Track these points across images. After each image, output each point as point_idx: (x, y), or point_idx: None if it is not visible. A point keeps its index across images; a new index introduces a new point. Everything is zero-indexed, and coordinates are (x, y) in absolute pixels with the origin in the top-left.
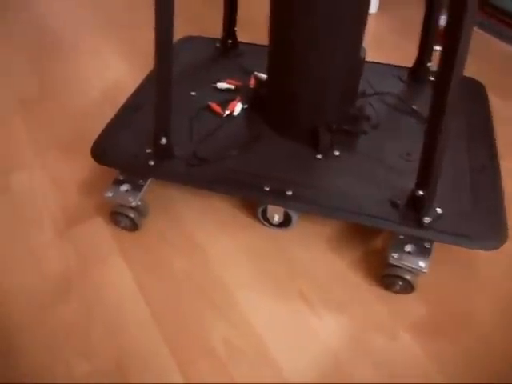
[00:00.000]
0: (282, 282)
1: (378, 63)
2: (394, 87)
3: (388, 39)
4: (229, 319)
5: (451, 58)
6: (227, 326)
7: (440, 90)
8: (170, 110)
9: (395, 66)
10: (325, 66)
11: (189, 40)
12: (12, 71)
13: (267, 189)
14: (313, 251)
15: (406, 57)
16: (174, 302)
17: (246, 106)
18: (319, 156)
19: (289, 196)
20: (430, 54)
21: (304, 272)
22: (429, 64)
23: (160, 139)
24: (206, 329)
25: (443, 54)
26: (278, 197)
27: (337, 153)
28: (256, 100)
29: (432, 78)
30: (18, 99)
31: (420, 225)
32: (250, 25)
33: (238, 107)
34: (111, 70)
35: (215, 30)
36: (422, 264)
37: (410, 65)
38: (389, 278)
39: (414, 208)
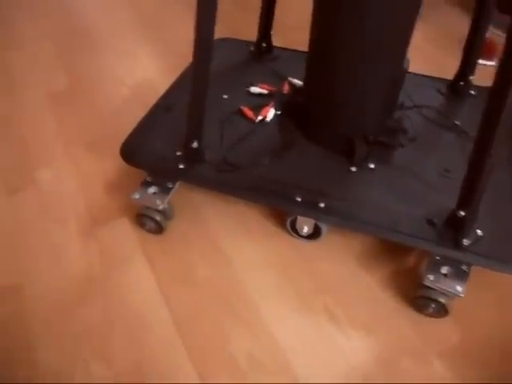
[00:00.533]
0: (308, 296)
1: (416, 74)
2: (432, 100)
3: (423, 49)
4: (252, 331)
5: (508, 76)
6: (250, 338)
7: (493, 109)
8: (204, 113)
9: (434, 78)
10: (368, 76)
11: (222, 42)
12: (41, 64)
13: (299, 199)
14: (341, 265)
15: (441, 68)
16: (197, 309)
17: (278, 112)
18: (353, 168)
19: (321, 208)
20: (474, 68)
21: (331, 286)
22: (471, 77)
23: (192, 142)
24: (227, 339)
25: (500, 70)
26: (310, 209)
27: (372, 165)
28: (290, 106)
29: (473, 92)
30: (46, 93)
31: (459, 246)
32: (280, 29)
33: (270, 113)
34: (142, 68)
35: (246, 33)
36: (458, 288)
37: (444, 77)
38: (422, 300)
39: (453, 228)
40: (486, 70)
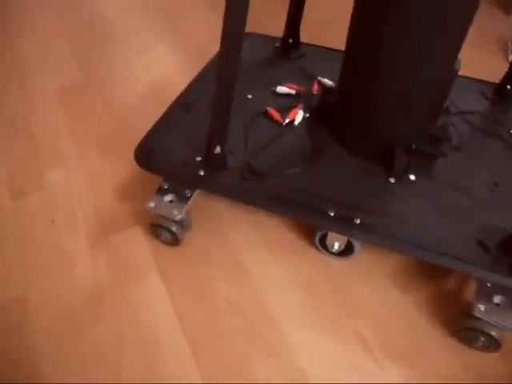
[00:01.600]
0: (337, 319)
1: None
2: (477, 105)
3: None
4: (275, 356)
5: None
6: (273, 364)
7: None
8: (230, 115)
9: (478, 81)
10: (414, 77)
11: (245, 37)
12: (53, 57)
13: (332, 214)
14: (374, 286)
15: (481, 71)
16: (215, 332)
17: (308, 115)
18: (392, 179)
19: (356, 225)
20: None
21: (362, 309)
22: None
23: (214, 147)
24: (248, 365)
25: None
26: (345, 224)
27: (412, 177)
28: (321, 109)
29: None
30: (57, 88)
31: None
32: (305, 24)
33: (299, 115)
34: (159, 64)
35: (268, 27)
36: None
37: (488, 79)
38: (469, 332)
39: (509, 253)
40: None
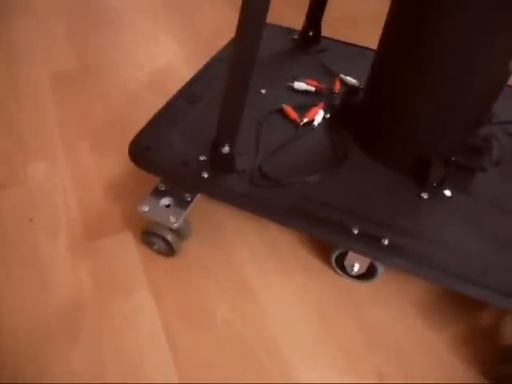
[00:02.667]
0: (355, 354)
1: None
2: None
3: None
4: None
5: None
6: None
7: None
8: (243, 110)
9: None
10: (462, 79)
11: None
12: (48, 39)
13: (355, 232)
14: (397, 316)
15: None
16: (210, 362)
17: (328, 116)
18: (425, 195)
19: (384, 246)
20: None
21: (384, 343)
22: None
23: (222, 146)
24: None
25: None
26: (370, 245)
27: (448, 193)
28: (344, 110)
29: None
30: (50, 72)
31: None
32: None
33: (319, 115)
34: (164, 53)
35: (285, 19)
36: None
37: None
38: (509, 380)
39: None
40: None
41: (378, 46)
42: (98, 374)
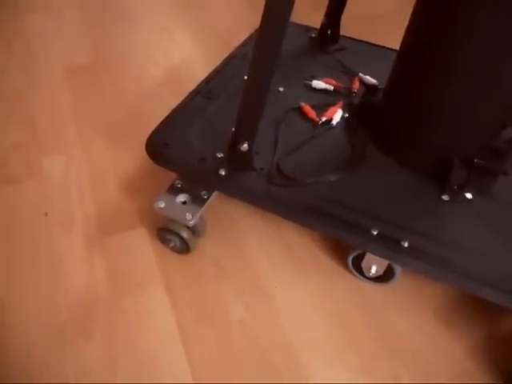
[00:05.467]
0: (371, 358)
1: None
2: None
3: None
4: None
5: None
6: None
7: None
8: (264, 107)
9: None
10: (486, 82)
11: None
12: (64, 33)
13: (375, 233)
14: (415, 320)
15: None
16: (224, 362)
17: (347, 115)
18: (446, 197)
19: (404, 248)
20: None
21: (402, 348)
22: None
23: (241, 144)
24: None
25: None
26: (389, 247)
27: (469, 195)
28: (363, 109)
29: None
30: (65, 67)
31: None
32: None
33: (337, 115)
34: (180, 49)
35: (303, 17)
36: None
37: None
38: None
39: None
40: None
41: (401, 46)
42: (111, 369)
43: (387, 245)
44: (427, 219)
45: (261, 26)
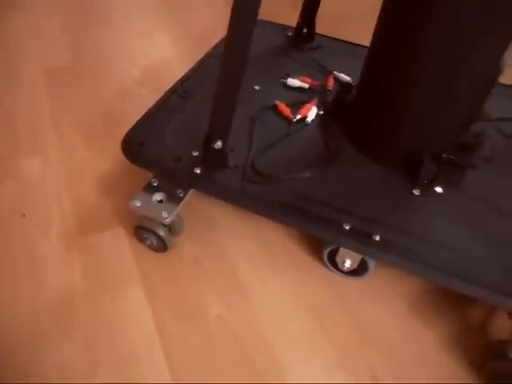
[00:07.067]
0: (347, 351)
1: None
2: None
3: None
4: None
5: None
6: None
7: None
8: (236, 105)
9: (506, 86)
10: (452, 77)
11: None
12: (42, 34)
13: (347, 227)
14: (389, 312)
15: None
16: (202, 357)
17: (321, 112)
18: (416, 191)
19: (376, 242)
20: None
21: (377, 340)
22: None
23: (214, 142)
24: None
25: None
26: (362, 241)
27: (439, 189)
28: (337, 107)
29: None
30: (43, 68)
31: None
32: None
33: (312, 112)
34: (158, 49)
35: (281, 16)
36: None
37: None
38: (503, 378)
39: None
40: None
41: (371, 44)
42: (91, 368)
43: (359, 239)
44: (398, 213)
45: (229, 24)
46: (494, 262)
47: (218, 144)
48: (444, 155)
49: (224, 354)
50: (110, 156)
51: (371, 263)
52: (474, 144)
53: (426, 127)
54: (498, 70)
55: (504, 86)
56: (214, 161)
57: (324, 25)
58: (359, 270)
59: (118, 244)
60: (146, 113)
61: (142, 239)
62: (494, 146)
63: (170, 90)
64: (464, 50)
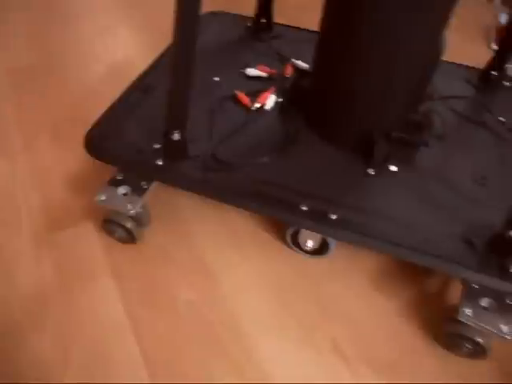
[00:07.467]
0: (311, 326)
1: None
2: (462, 91)
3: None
4: (241, 369)
5: None
6: (238, 379)
7: None
8: (188, 96)
9: (463, 67)
10: (394, 58)
11: (213, 16)
12: (4, 35)
13: (305, 209)
14: (351, 287)
15: (468, 58)
16: (173, 340)
17: (280, 100)
18: (371, 170)
19: (332, 221)
20: (509, 57)
21: (339, 314)
22: (507, 66)
23: (172, 134)
24: (210, 380)
25: None
26: (319, 221)
27: (393, 168)
28: (294, 93)
29: (508, 84)
30: (6, 67)
31: (505, 274)
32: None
33: (270, 100)
34: (122, 45)
35: (243, 6)
36: (503, 327)
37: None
38: (454, 338)
39: (499, 251)
40: None
41: (319, 28)
42: (64, 358)
43: (316, 219)
44: (354, 192)
45: (174, 18)
46: (446, 233)
47: (176, 135)
48: (394, 134)
49: (194, 336)
50: (77, 153)
51: (332, 242)
52: (424, 122)
53: (375, 107)
54: (438, 47)
55: (454, 64)
56: (173, 152)
57: (283, 14)
58: (321, 250)
59: (88, 239)
60: (108, 108)
61: (110, 232)
62: (445, 123)
63: (131, 85)
64: (402, 27)
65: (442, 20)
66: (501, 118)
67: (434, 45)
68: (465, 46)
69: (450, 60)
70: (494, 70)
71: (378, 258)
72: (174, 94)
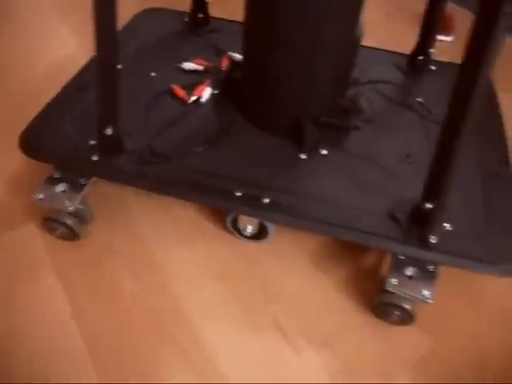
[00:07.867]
0: (254, 308)
1: (370, 48)
2: (390, 76)
3: (381, 25)
4: (188, 356)
5: (479, 62)
6: (185, 365)
7: (461, 95)
8: (117, 91)
9: (390, 52)
10: (312, 45)
11: (151, 12)
12: None
13: (239, 194)
14: (292, 268)
15: (402, 45)
16: (120, 334)
17: (216, 92)
18: (303, 155)
19: (265, 204)
20: (433, 41)
21: (281, 294)
22: (430, 51)
23: (104, 129)
24: (157, 369)
25: (468, 55)
26: (252, 205)
27: (324, 151)
28: (229, 85)
29: (433, 68)
30: None
31: (425, 244)
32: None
33: (206, 92)
34: (64, 45)
35: (181, 2)
36: (425, 292)
37: (405, 52)
38: (383, 307)
39: (419, 223)
40: (442, 45)
41: (243, 20)
42: (9, 357)
43: (250, 203)
44: (286, 176)
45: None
46: (373, 210)
47: (109, 130)
48: (322, 119)
49: (140, 325)
50: (16, 155)
51: (270, 226)
52: (351, 107)
53: (299, 94)
54: (355, 33)
55: (384, 51)
56: (108, 147)
57: (221, 8)
58: (261, 234)
59: (30, 238)
60: (43, 108)
61: (51, 230)
62: (374, 107)
63: (67, 83)
64: (319, 14)
65: (356, 5)
66: (419, 99)
67: (351, 31)
68: (397, 31)
69: (388, 48)
70: (420, 55)
71: (319, 238)
72: (103, 90)
